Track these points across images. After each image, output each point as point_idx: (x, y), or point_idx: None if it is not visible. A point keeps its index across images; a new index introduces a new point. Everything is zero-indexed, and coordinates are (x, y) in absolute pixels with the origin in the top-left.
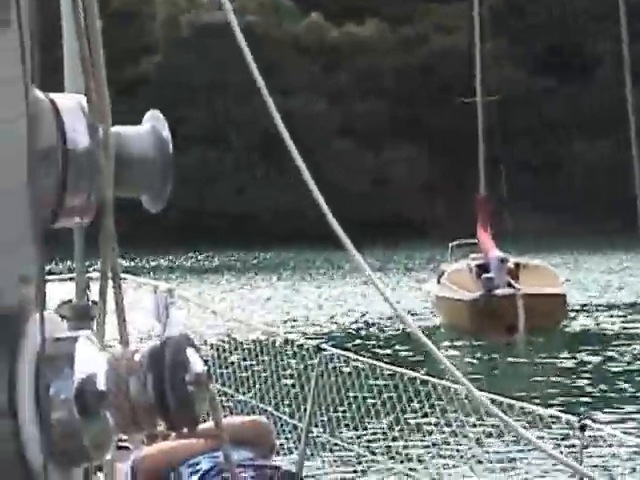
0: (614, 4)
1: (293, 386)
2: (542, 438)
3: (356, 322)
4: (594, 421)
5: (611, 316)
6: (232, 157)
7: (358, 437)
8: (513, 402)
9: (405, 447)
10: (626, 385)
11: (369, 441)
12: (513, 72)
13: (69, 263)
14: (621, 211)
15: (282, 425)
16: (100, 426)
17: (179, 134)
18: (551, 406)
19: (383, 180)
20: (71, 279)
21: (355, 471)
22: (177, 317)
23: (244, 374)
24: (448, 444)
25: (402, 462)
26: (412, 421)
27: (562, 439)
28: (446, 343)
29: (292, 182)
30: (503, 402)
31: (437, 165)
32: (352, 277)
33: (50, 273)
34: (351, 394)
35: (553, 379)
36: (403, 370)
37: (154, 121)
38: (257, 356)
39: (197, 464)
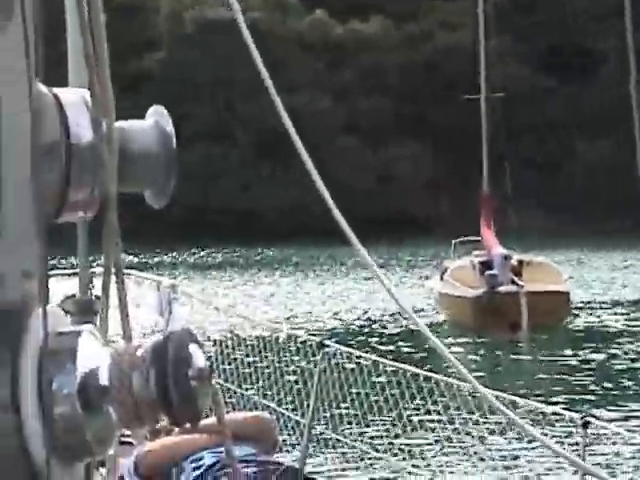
0: (619, 2)
1: (296, 382)
2: (545, 435)
3: (359, 319)
4: (597, 418)
5: (615, 314)
6: (236, 153)
7: (361, 434)
8: (516, 399)
9: (408, 444)
10: (629, 383)
11: (372, 437)
12: (517, 69)
13: (73, 260)
14: (621, 211)
15: (285, 421)
16: (103, 421)
17: (183, 130)
18: (554, 404)
19: (387, 177)
20: (75, 274)
21: (358, 467)
22: (180, 313)
23: (247, 370)
24: (451, 441)
25: (405, 459)
26: (415, 418)
27: (565, 437)
28: (449, 340)
29: (297, 178)
30: (506, 399)
31: (441, 162)
32: (355, 274)
33: (54, 269)
34: (354, 390)
35: (556, 377)
36: (406, 366)
37: (157, 116)
38: (260, 352)
39: (200, 459)
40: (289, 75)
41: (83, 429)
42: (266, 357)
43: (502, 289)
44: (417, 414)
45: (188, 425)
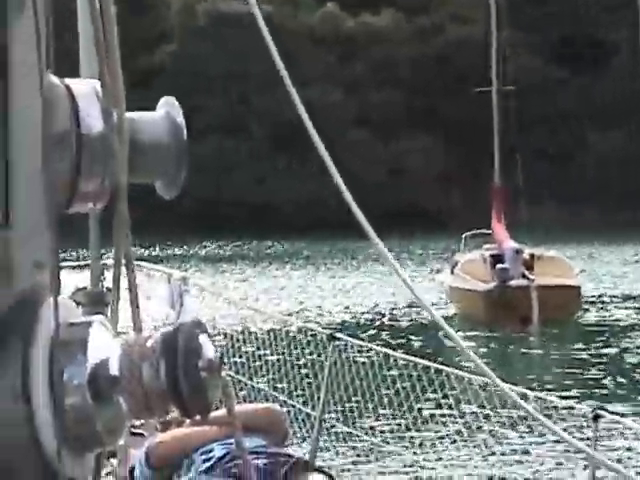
0: None
1: (307, 375)
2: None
3: (370, 312)
4: (608, 412)
5: (626, 308)
6: (249, 146)
7: (371, 426)
8: (527, 392)
9: (419, 437)
10: None
11: (382, 430)
12: (529, 61)
13: (83, 252)
14: (634, 202)
15: (295, 414)
16: (113, 411)
17: (195, 123)
18: (565, 398)
19: (399, 170)
20: (86, 266)
21: (369, 460)
22: (191, 305)
23: (258, 362)
24: (462, 434)
25: (415, 452)
26: (426, 411)
27: (575, 431)
28: (460, 333)
29: (313, 172)
30: (516, 392)
31: (453, 155)
32: (367, 267)
33: (65, 260)
34: (364, 383)
35: (567, 371)
36: (417, 359)
37: (168, 107)
38: (271, 345)
39: (210, 451)
40: (300, 68)
41: (94, 419)
42: (277, 349)
43: (513, 283)
44: (428, 407)
45: (198, 416)
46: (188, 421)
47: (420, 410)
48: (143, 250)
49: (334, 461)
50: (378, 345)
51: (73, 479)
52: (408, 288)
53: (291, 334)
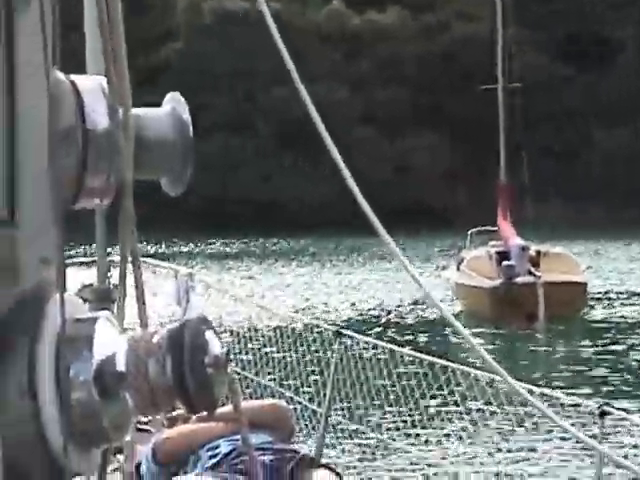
0: None
1: (313, 372)
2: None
3: (375, 309)
4: (615, 408)
5: (632, 304)
6: (256, 144)
7: (377, 423)
8: (533, 388)
9: (425, 434)
10: None
11: (388, 427)
12: (535, 58)
13: (88, 248)
14: (639, 199)
15: (302, 410)
16: (119, 407)
17: (201, 121)
18: (571, 395)
19: (405, 167)
20: (93, 262)
21: (375, 457)
22: (197, 301)
23: (264, 359)
24: (468, 431)
25: (421, 450)
26: (432, 408)
27: (581, 428)
28: (466, 329)
29: (319, 170)
30: (524, 388)
31: (459, 153)
32: (372, 264)
33: (72, 257)
34: (370, 379)
35: (573, 368)
36: (423, 355)
37: (174, 103)
38: (277, 341)
39: (217, 447)
40: (307, 66)
41: (100, 415)
42: (283, 346)
43: (519, 280)
44: (434, 404)
45: (204, 412)
46: (194, 417)
47: (426, 407)
48: (149, 247)
49: (340, 458)
50: (384, 342)
51: (79, 474)
52: (418, 284)
53: (297, 331)
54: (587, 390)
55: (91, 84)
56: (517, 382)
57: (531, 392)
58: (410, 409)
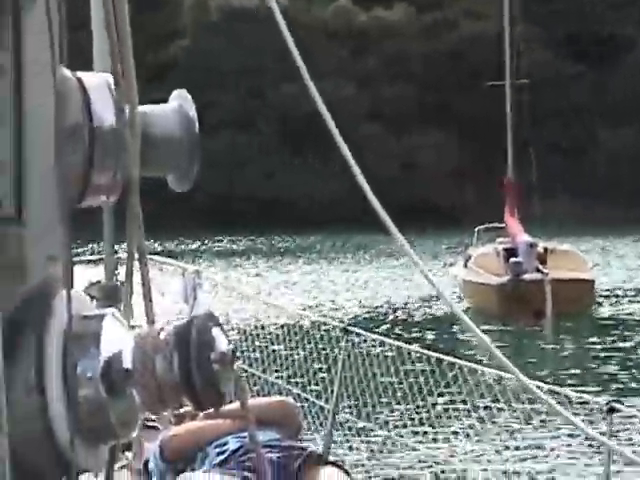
0: None
1: (321, 369)
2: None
3: (383, 306)
4: (623, 404)
5: None
6: (261, 142)
7: (385, 420)
8: (541, 384)
9: (433, 431)
10: None
11: (396, 424)
12: (543, 55)
13: (94, 246)
14: None
15: (309, 407)
16: (126, 404)
17: (208, 118)
18: (579, 392)
19: (411, 165)
20: (101, 260)
21: (382, 454)
22: (205, 299)
23: (271, 357)
24: (475, 429)
25: (429, 447)
26: (440, 405)
27: (589, 425)
28: (477, 328)
29: (323, 166)
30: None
31: (466, 150)
32: (379, 262)
33: (79, 255)
34: (378, 376)
35: (581, 365)
36: (430, 352)
37: (181, 100)
38: (285, 338)
39: (224, 444)
40: (313, 63)
41: (107, 412)
42: (290, 343)
43: (527, 277)
44: (441, 401)
45: (211, 409)
46: (202, 414)
47: (434, 404)
48: (157, 245)
49: (347, 454)
50: (391, 339)
51: (87, 471)
52: (430, 282)
53: (305, 328)
54: (595, 387)
55: (98, 81)
56: (533, 382)
57: (539, 389)
58: (417, 406)
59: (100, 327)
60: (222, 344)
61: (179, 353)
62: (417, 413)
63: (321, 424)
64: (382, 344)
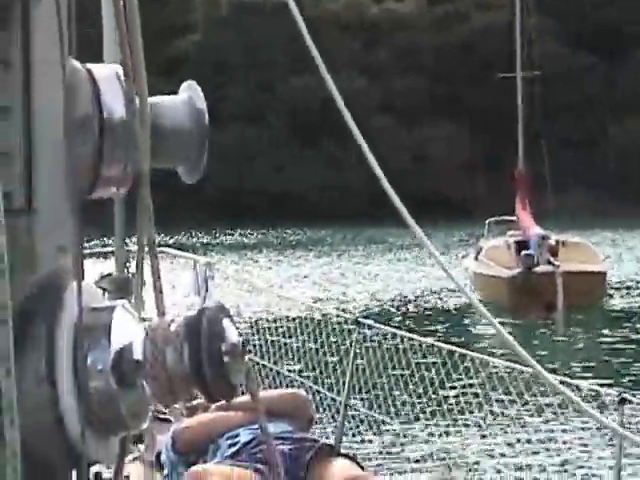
0: None
1: (332, 362)
2: (584, 414)
3: (394, 299)
4: (634, 396)
5: None
6: (271, 135)
7: (397, 412)
8: (552, 376)
9: (444, 423)
10: None
11: (407, 415)
12: (555, 47)
13: (109, 241)
14: None
15: (321, 399)
16: (137, 396)
17: (218, 112)
18: (591, 384)
19: (422, 157)
20: (112, 253)
21: (394, 446)
22: (214, 291)
23: (283, 349)
24: (488, 420)
25: (440, 437)
26: (452, 398)
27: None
28: (484, 320)
29: (335, 159)
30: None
31: (477, 142)
32: (390, 254)
33: (90, 248)
34: (389, 368)
35: (592, 357)
36: (441, 344)
37: (190, 92)
38: (296, 331)
39: (236, 436)
40: (325, 55)
41: (117, 403)
42: (302, 336)
43: (538, 269)
44: (453, 393)
45: (222, 400)
46: (214, 406)
47: (445, 397)
48: (167, 238)
49: (359, 446)
50: (403, 331)
51: (97, 462)
52: (447, 274)
53: (316, 320)
54: (607, 380)
55: (107, 72)
56: (546, 372)
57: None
58: (429, 398)
59: (111, 319)
60: (233, 335)
61: (189, 344)
62: (429, 405)
63: (333, 416)
64: (394, 336)
